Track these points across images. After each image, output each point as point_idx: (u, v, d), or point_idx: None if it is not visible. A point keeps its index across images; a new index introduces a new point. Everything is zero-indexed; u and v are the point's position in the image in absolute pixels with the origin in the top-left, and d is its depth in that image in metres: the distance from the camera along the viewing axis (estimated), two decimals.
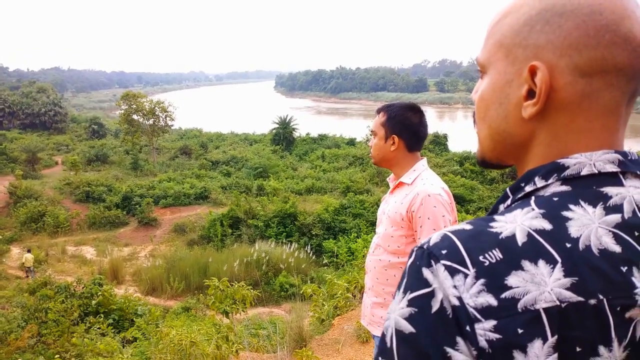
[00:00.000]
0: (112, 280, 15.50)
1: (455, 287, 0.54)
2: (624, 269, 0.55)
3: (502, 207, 0.67)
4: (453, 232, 0.59)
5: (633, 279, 0.55)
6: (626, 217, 0.58)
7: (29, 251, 18.29)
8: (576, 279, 0.54)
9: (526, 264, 0.54)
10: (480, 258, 0.55)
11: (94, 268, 17.24)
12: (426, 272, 0.57)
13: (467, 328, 0.53)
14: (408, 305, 0.57)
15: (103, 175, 30.87)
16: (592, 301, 0.53)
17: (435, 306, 0.55)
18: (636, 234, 0.57)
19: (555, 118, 0.64)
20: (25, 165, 34.08)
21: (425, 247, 0.59)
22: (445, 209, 2.03)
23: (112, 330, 8.88)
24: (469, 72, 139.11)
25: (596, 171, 0.61)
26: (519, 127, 0.66)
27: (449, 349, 0.53)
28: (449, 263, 0.56)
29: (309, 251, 17.81)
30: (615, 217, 0.58)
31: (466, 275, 0.54)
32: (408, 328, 0.56)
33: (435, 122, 66.68)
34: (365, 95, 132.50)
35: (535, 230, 0.56)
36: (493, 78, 0.68)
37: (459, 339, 0.53)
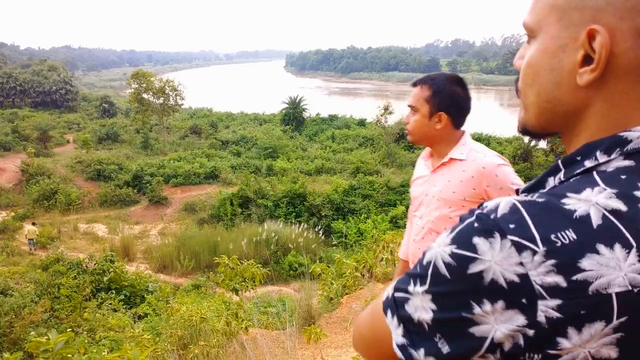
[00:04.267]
0: (123, 257, 15.69)
1: (521, 263, 0.54)
2: None
3: (552, 180, 0.65)
4: (523, 204, 0.57)
5: None
6: None
7: (33, 224, 18.56)
8: None
9: (601, 247, 0.53)
10: (552, 237, 0.54)
11: (105, 245, 17.44)
12: (480, 241, 0.56)
13: (524, 301, 0.53)
14: (451, 256, 0.58)
15: (114, 153, 31.04)
16: None
17: (474, 270, 0.56)
18: None
19: (614, 86, 0.61)
20: (37, 143, 34.33)
21: (492, 216, 0.57)
22: (516, 175, 1.91)
23: (124, 306, 9.02)
24: (482, 53, 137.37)
25: None
26: (573, 95, 0.63)
27: (464, 313, 0.56)
28: (517, 239, 0.54)
29: (318, 231, 17.89)
30: None
31: (535, 253, 0.54)
32: (444, 274, 0.58)
33: None
34: (377, 75, 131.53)
35: (611, 211, 0.55)
36: (544, 42, 0.65)
37: (476, 306, 0.55)
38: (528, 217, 0.56)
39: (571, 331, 0.53)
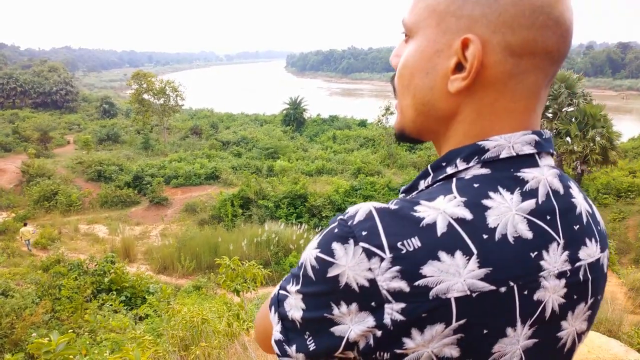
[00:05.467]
0: (124, 258, 15.68)
1: (370, 269, 0.56)
2: (534, 254, 0.59)
3: (422, 184, 0.68)
4: (378, 211, 0.59)
5: (541, 262, 0.60)
6: (540, 201, 0.62)
7: (25, 224, 18.59)
8: (490, 269, 0.56)
9: (443, 255, 0.56)
10: (399, 244, 0.56)
11: (106, 246, 17.43)
12: (337, 246, 0.59)
13: (373, 304, 0.57)
14: (315, 259, 0.60)
15: (114, 154, 31.06)
16: (503, 289, 0.57)
17: (331, 273, 0.58)
18: (548, 217, 0.62)
19: (480, 96, 0.63)
20: (37, 144, 34.36)
21: (349, 223, 0.59)
22: None
23: (125, 307, 9.00)
24: None
25: (514, 154, 0.62)
26: (445, 101, 0.65)
27: (325, 313, 0.60)
28: (367, 246, 0.57)
29: (318, 232, 17.87)
30: (530, 204, 0.61)
31: (382, 259, 0.56)
32: (311, 275, 0.61)
33: None
34: (378, 75, 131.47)
35: (456, 219, 0.58)
36: (421, 45, 0.66)
37: (335, 307, 0.59)
38: (380, 224, 0.58)
39: (414, 332, 0.56)
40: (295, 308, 0.64)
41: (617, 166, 22.39)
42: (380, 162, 28.16)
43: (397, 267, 0.56)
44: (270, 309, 0.68)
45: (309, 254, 0.62)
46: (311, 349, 0.63)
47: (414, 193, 0.67)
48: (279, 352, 0.66)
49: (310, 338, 0.63)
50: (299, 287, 0.63)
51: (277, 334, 0.66)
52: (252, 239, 15.89)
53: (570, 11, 0.63)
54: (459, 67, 0.62)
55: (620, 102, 71.19)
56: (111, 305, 8.84)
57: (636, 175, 23.53)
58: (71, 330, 6.80)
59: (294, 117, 41.35)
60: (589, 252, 0.66)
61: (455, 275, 0.55)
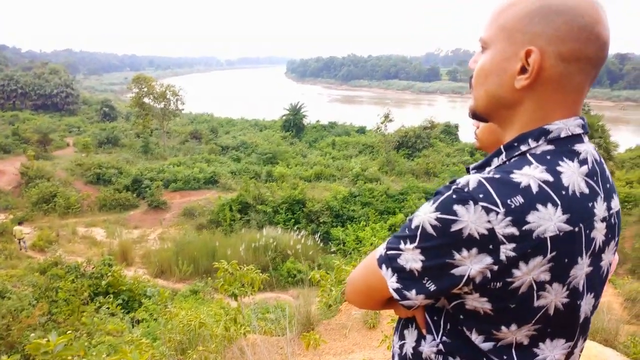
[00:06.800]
0: (121, 261, 15.62)
1: (489, 221, 0.77)
2: (590, 204, 0.84)
3: (496, 160, 0.90)
4: (486, 180, 0.81)
5: (594, 210, 0.85)
6: (589, 167, 0.87)
7: (19, 223, 18.58)
8: (569, 215, 0.80)
9: (539, 206, 0.78)
10: (508, 202, 0.78)
11: (103, 249, 17.38)
12: (458, 207, 0.79)
13: (491, 247, 0.78)
14: (436, 220, 0.80)
15: (114, 157, 31.03)
16: (577, 229, 0.81)
17: (455, 228, 0.79)
18: (594, 178, 0.87)
19: (540, 91, 0.86)
20: (37, 146, 34.30)
21: (466, 190, 0.80)
22: None
23: (122, 311, 8.99)
24: None
25: (570, 133, 0.86)
26: (511, 94, 0.88)
27: (447, 260, 0.80)
28: (485, 204, 0.78)
29: (316, 238, 17.85)
30: (585, 169, 0.86)
31: (497, 213, 0.77)
32: (431, 232, 0.81)
33: (447, 111, 66.10)
34: (377, 83, 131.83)
35: (544, 182, 0.80)
36: (494, 54, 0.89)
37: (457, 253, 0.79)
38: (491, 189, 0.79)
39: (521, 264, 0.78)
40: (412, 261, 0.84)
41: (614, 177, 22.42)
42: (379, 169, 28.17)
43: (509, 218, 0.77)
44: (381, 267, 0.88)
45: (427, 217, 0.82)
46: (431, 289, 0.84)
47: (489, 168, 0.89)
48: (398, 297, 0.87)
49: (430, 281, 0.83)
50: (415, 244, 0.83)
51: (393, 284, 0.87)
52: (250, 244, 15.86)
53: (607, 30, 0.84)
54: (522, 70, 0.85)
55: (619, 112, 71.32)
56: (108, 308, 8.83)
57: (633, 185, 23.58)
58: (68, 332, 6.78)
59: (293, 123, 41.41)
60: (615, 203, 0.93)
61: (549, 220, 0.78)
